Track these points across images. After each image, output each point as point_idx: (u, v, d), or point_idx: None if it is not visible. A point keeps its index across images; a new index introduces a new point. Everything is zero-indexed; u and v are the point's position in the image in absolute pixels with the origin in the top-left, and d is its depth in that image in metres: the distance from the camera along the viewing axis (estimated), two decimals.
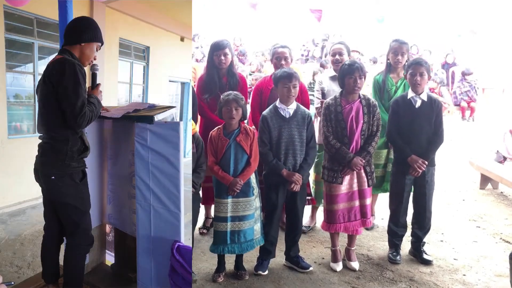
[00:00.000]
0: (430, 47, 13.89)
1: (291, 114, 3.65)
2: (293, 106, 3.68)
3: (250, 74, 9.30)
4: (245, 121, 4.39)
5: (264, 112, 3.71)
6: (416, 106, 3.80)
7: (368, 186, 3.76)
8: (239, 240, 3.54)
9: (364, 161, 3.66)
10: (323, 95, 4.28)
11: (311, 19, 13.20)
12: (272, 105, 3.73)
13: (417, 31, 14.82)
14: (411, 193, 3.99)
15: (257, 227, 3.64)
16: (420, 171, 3.79)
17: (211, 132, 3.63)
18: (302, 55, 13.61)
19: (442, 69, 12.94)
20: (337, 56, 4.33)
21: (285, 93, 3.62)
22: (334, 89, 4.17)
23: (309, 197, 4.22)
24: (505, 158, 6.75)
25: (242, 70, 9.35)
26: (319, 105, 4.26)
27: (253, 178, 3.60)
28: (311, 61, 12.44)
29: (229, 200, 3.52)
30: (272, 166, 3.62)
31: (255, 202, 3.60)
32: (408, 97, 3.83)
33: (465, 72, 11.89)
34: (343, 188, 3.71)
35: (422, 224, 3.95)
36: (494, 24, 14.70)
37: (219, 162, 3.54)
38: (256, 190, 3.62)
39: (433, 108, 3.81)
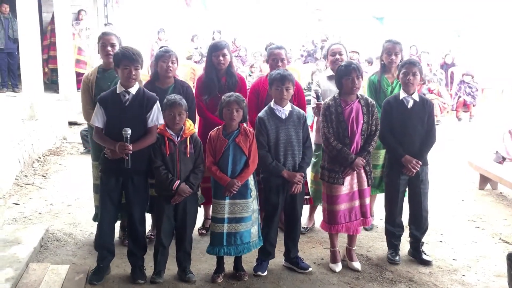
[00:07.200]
0: (429, 47, 13.86)
1: (287, 115, 3.65)
2: (288, 107, 3.67)
3: (250, 75, 9.29)
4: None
5: (260, 114, 3.69)
6: (409, 106, 3.81)
7: (368, 185, 3.77)
8: (235, 242, 3.53)
9: (364, 161, 3.67)
10: (318, 97, 4.27)
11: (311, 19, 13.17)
12: (267, 106, 3.72)
13: (416, 31, 14.82)
14: (406, 194, 3.99)
15: (254, 229, 3.62)
16: (414, 171, 3.80)
17: (210, 132, 3.62)
18: (302, 55, 13.57)
19: (441, 70, 12.92)
20: (337, 56, 4.33)
21: (277, 95, 3.62)
22: (332, 89, 4.16)
23: (307, 197, 4.22)
24: (504, 159, 6.73)
25: (241, 71, 9.35)
26: (315, 105, 4.25)
27: (251, 180, 3.59)
28: (310, 61, 12.41)
29: (226, 201, 3.51)
30: (272, 168, 3.60)
31: (253, 204, 3.60)
32: (400, 98, 3.84)
33: (465, 74, 11.89)
34: (344, 188, 3.71)
35: (419, 224, 3.95)
36: (494, 23, 14.71)
37: (217, 163, 3.53)
38: (254, 192, 3.61)
39: (425, 108, 3.84)
